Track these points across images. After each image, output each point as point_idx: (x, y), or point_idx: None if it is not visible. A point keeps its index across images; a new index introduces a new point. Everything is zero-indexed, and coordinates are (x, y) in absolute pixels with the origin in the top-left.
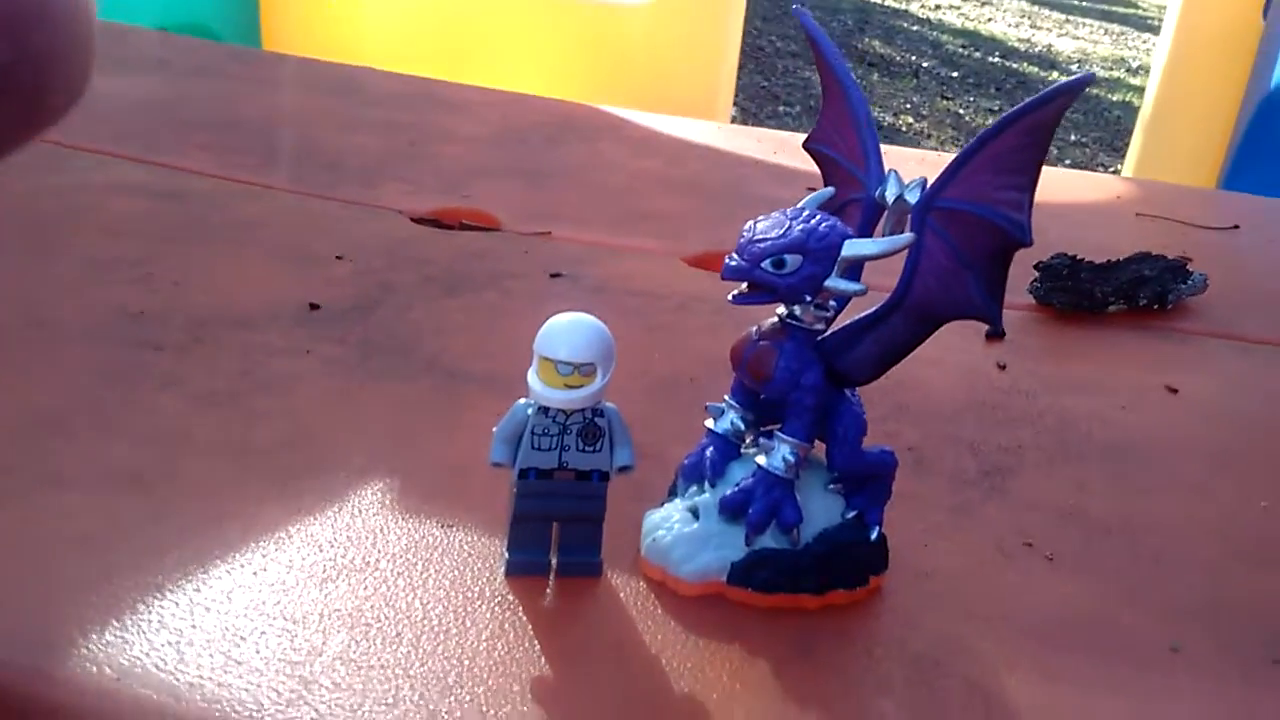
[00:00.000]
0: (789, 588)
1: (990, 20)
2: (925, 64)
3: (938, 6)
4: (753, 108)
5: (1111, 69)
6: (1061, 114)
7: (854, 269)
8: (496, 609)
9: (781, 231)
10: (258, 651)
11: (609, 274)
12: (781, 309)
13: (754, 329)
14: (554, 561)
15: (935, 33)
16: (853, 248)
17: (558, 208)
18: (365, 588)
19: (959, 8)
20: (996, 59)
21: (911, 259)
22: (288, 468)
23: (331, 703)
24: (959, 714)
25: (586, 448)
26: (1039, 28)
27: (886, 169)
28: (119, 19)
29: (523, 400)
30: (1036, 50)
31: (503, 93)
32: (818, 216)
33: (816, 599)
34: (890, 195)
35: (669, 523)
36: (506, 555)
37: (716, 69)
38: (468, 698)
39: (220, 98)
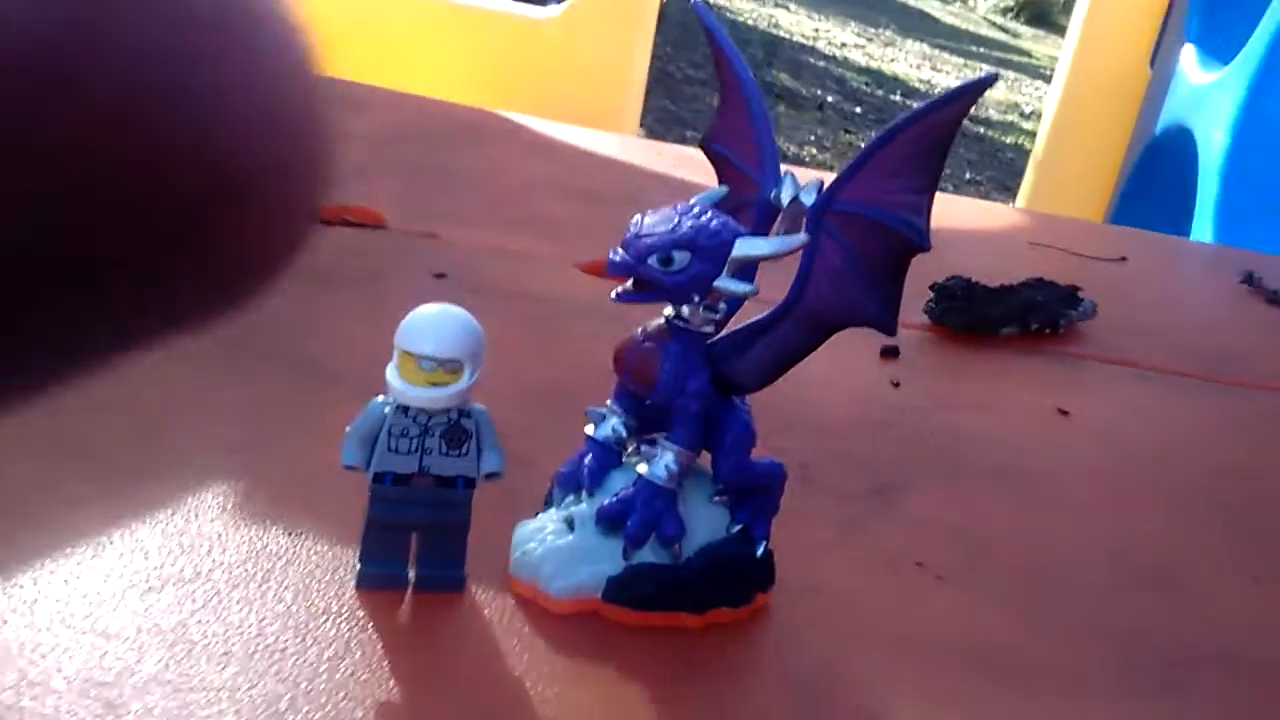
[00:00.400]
0: (668, 605)
1: (893, 60)
2: (830, 98)
3: (844, 45)
4: (660, 130)
5: (1005, 113)
6: (962, 116)
7: (746, 270)
8: (343, 625)
9: (670, 227)
10: (59, 669)
11: (496, 276)
12: (669, 310)
13: (639, 330)
14: (412, 574)
15: (840, 69)
16: (745, 246)
17: (448, 208)
18: (193, 600)
19: (864, 47)
20: (898, 97)
21: (805, 262)
22: (119, 467)
23: None
24: None
25: (451, 451)
26: (939, 70)
27: (782, 172)
28: None
29: (380, 398)
30: (936, 91)
31: (401, 94)
32: (709, 213)
33: (698, 617)
34: (786, 197)
35: (541, 534)
36: (359, 566)
37: (623, 87)
38: None
39: None
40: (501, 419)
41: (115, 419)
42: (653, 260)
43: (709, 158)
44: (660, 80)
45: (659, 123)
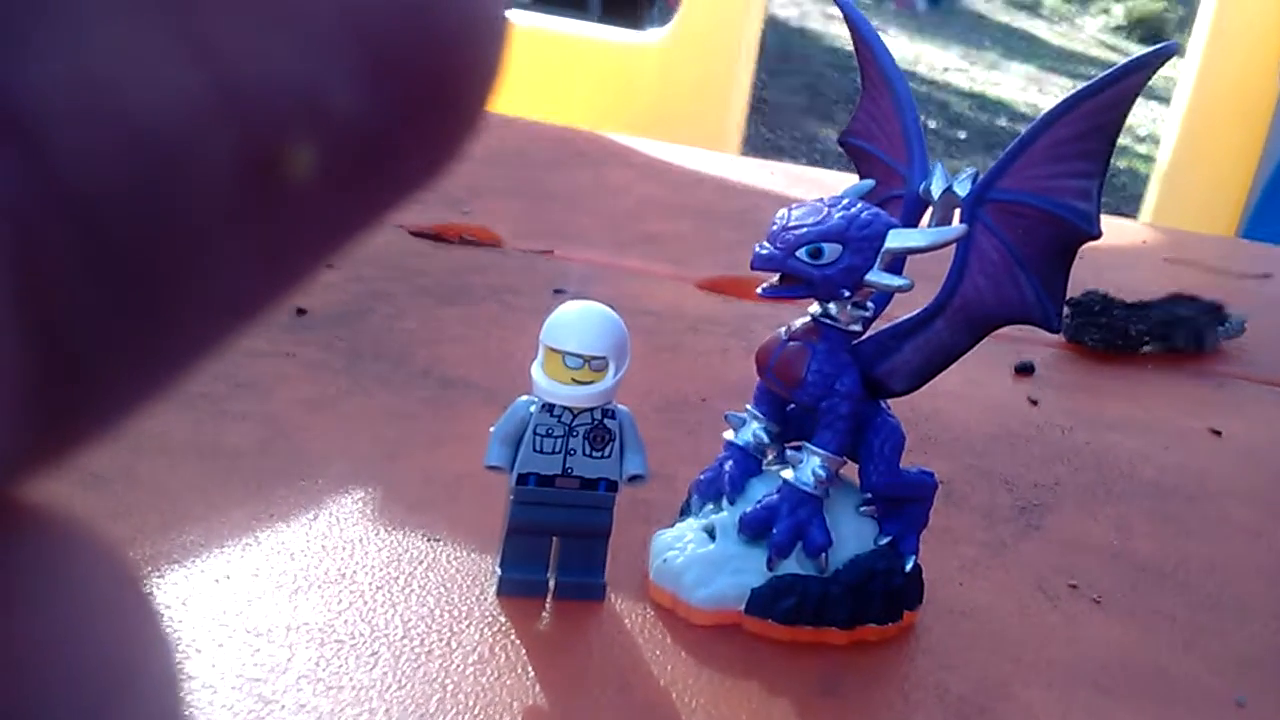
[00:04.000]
0: (814, 620)
1: (998, 84)
2: (932, 124)
3: (945, 69)
4: (758, 158)
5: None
6: (1137, 92)
7: (897, 262)
8: (486, 631)
9: (819, 218)
10: (213, 665)
11: (615, 293)
12: (814, 307)
13: (782, 329)
14: (552, 581)
15: (943, 94)
16: (898, 238)
17: (561, 228)
18: (339, 601)
19: (966, 70)
20: (1003, 122)
21: (960, 257)
22: (260, 472)
23: None
24: None
25: (594, 452)
26: (1045, 93)
27: (931, 163)
28: None
29: (525, 397)
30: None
31: (510, 118)
32: (859, 204)
33: (844, 634)
34: (937, 189)
35: (681, 543)
36: (499, 572)
37: (724, 112)
38: None
39: None
40: None
41: (251, 428)
42: (802, 253)
43: (849, 153)
44: (757, 107)
45: (756, 150)
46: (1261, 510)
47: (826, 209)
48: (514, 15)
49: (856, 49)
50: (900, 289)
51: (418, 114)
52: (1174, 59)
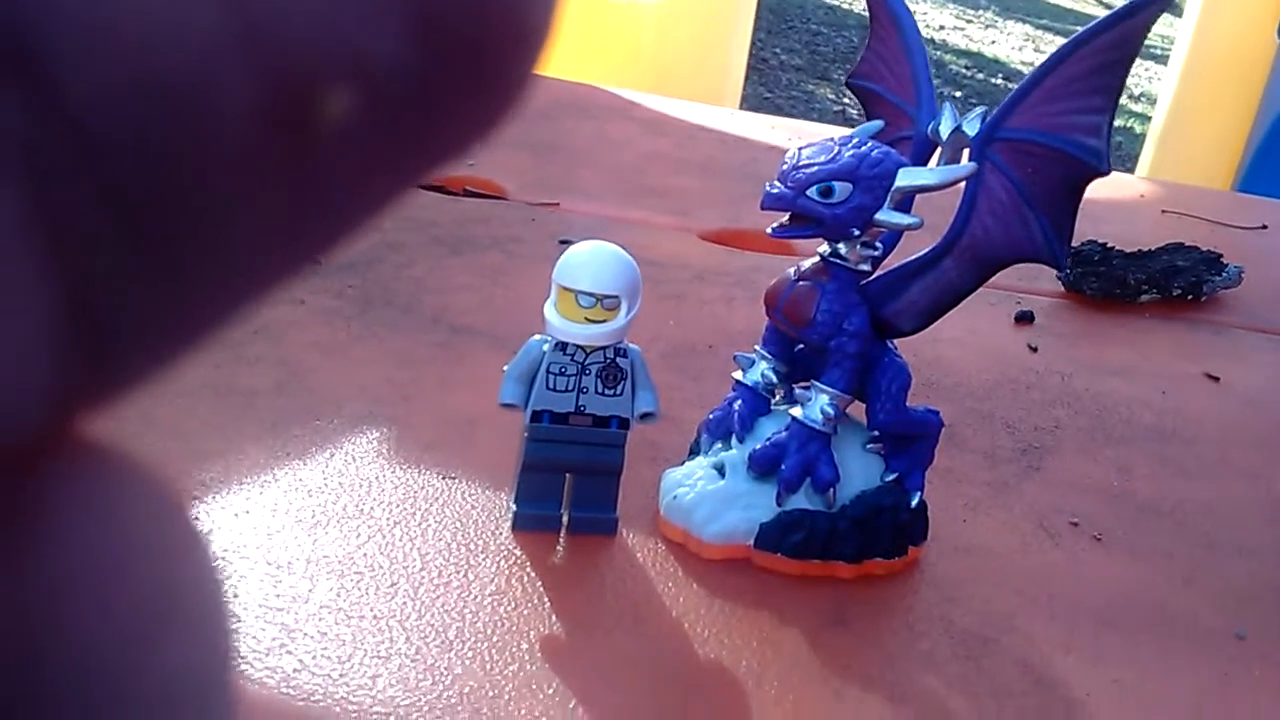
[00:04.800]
0: (822, 554)
1: (994, 43)
2: None
3: (941, 27)
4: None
5: None
6: (1148, 28)
7: (906, 201)
8: (502, 564)
9: (829, 157)
10: (236, 596)
11: (620, 243)
12: (824, 247)
13: (791, 269)
14: (566, 517)
15: (939, 52)
16: (908, 176)
17: (566, 181)
18: (358, 535)
19: (963, 29)
20: (1000, 80)
21: (968, 196)
22: (276, 411)
23: (317, 652)
24: (1014, 696)
25: (606, 391)
26: (1042, 51)
27: (940, 104)
28: None
29: (538, 336)
30: None
31: None
32: (870, 143)
33: (851, 568)
34: (945, 129)
35: (691, 479)
36: (514, 508)
37: (722, 71)
38: (470, 654)
39: None
40: None
41: (267, 370)
42: (812, 192)
43: (857, 95)
44: (755, 68)
45: (754, 109)
46: (1258, 453)
47: (837, 147)
48: None
49: None
50: (910, 227)
51: (462, 73)
52: (1170, 17)
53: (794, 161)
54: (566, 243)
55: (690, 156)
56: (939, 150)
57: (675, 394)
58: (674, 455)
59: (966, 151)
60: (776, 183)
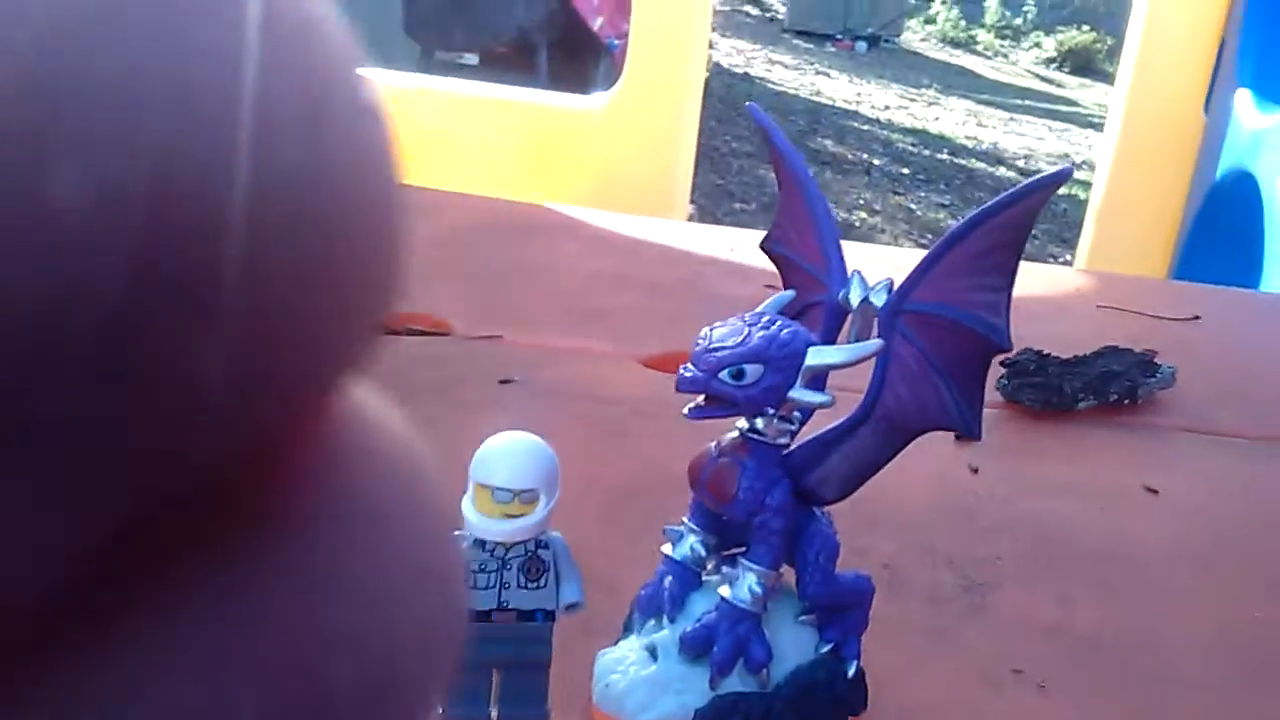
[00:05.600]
0: None
1: (938, 119)
2: (876, 161)
3: (886, 107)
4: (709, 205)
5: (1056, 164)
6: (1038, 210)
7: (819, 378)
8: None
9: (740, 339)
10: None
11: (561, 378)
12: (742, 422)
13: (712, 445)
14: (495, 715)
15: (885, 131)
16: (817, 355)
17: (509, 310)
18: None
19: (907, 108)
20: (945, 156)
21: (880, 367)
22: None
23: None
24: None
25: (530, 584)
26: (985, 125)
27: (849, 270)
28: None
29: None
30: (984, 147)
31: (453, 194)
32: (779, 322)
33: None
34: (855, 298)
35: (624, 665)
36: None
37: (672, 169)
38: None
39: None
40: (576, 532)
41: None
42: (724, 375)
43: (771, 260)
44: (707, 155)
45: (707, 198)
46: (1198, 573)
47: (747, 329)
48: (454, 84)
49: (771, 158)
50: (822, 405)
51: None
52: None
53: (705, 344)
54: (507, 382)
55: (633, 274)
56: (850, 318)
57: (611, 554)
58: (606, 626)
59: (876, 321)
60: (690, 365)
